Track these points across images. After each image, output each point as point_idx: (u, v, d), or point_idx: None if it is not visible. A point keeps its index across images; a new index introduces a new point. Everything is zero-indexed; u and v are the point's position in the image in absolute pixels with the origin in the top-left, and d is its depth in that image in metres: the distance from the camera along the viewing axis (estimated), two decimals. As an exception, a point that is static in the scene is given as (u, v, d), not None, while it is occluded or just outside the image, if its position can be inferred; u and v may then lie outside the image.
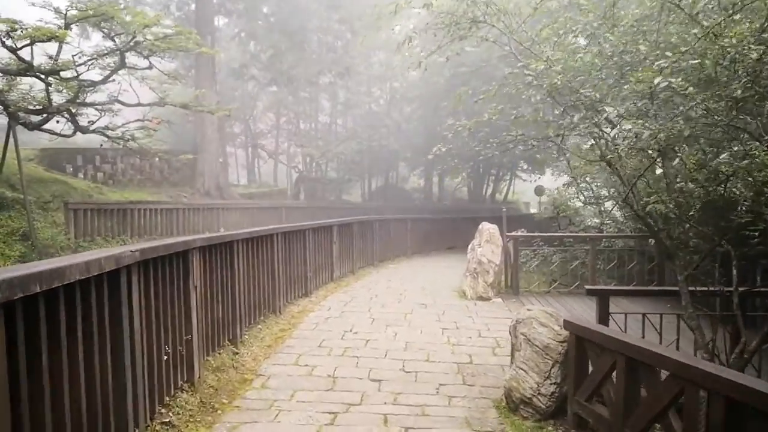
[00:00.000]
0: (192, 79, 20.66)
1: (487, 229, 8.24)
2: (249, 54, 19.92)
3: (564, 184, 9.87)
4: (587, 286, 4.62)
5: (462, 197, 37.29)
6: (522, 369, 4.13)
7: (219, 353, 5.17)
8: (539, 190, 27.65)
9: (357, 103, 31.83)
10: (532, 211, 43.22)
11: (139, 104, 11.05)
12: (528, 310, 4.42)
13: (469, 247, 8.60)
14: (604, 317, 4.58)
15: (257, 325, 6.41)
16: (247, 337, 5.97)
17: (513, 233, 8.67)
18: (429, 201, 32.71)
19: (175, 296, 3.92)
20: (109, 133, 10.21)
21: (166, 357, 3.65)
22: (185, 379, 4.15)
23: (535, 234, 8.93)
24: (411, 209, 26.20)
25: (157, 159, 18.23)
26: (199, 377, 4.41)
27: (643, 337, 4.63)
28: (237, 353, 5.44)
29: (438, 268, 12.96)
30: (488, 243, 8.14)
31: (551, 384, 4.02)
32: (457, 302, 8.14)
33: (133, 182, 17.70)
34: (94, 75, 10.56)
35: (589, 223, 9.29)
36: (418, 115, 32.29)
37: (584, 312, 7.40)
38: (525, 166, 35.62)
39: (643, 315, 4.63)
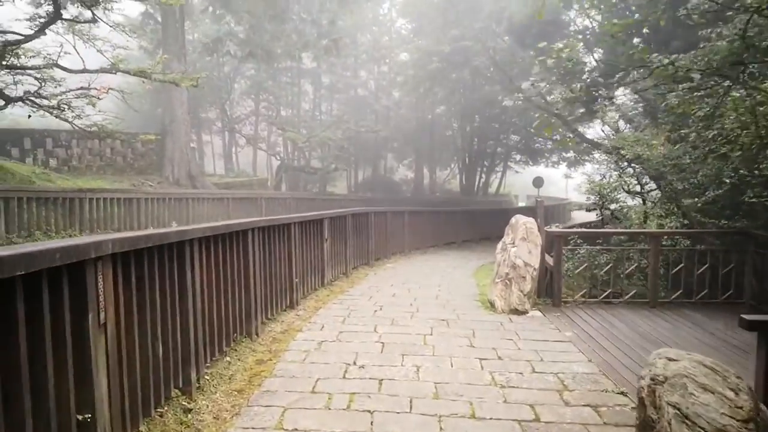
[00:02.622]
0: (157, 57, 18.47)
1: (523, 223, 6.50)
2: (226, 26, 17.77)
3: (605, 173, 8.23)
4: (744, 316, 2.86)
5: (452, 189, 35.66)
6: (677, 468, 2.38)
7: (159, 414, 3.33)
8: (538, 182, 26.15)
9: (343, 88, 29.82)
10: (521, 204, 41.98)
11: (84, 70, 9.00)
12: (671, 359, 2.67)
13: (499, 246, 6.86)
14: (774, 365, 2.84)
15: (224, 358, 4.57)
16: (208, 378, 4.13)
17: (554, 229, 6.97)
18: (420, 193, 31.03)
19: (48, 348, 2.06)
20: (41, 102, 8.14)
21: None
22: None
23: (587, 230, 7.27)
24: (401, 202, 24.49)
25: (119, 143, 16.14)
26: (113, 478, 2.56)
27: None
28: (190, 410, 3.60)
29: (444, 268, 11.23)
30: (524, 241, 6.41)
31: (734, 497, 2.27)
32: (485, 317, 6.39)
33: (92, 169, 15.56)
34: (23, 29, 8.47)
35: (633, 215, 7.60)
36: (408, 101, 30.43)
37: (655, 331, 5.74)
38: (518, 157, 34.24)
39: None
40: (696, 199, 6.84)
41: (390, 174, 35.60)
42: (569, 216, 31.11)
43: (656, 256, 6.69)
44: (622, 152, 7.56)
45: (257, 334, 5.29)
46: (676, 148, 7.92)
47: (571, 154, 30.84)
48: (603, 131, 11.58)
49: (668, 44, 10.64)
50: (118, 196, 11.20)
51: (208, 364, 4.30)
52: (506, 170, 35.73)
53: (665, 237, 6.88)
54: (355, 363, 4.68)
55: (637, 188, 8.10)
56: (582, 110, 19.33)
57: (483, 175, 33.09)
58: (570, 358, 4.96)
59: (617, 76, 11.57)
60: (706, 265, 6.56)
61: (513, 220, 6.78)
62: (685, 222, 6.99)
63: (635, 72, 10.04)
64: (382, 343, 5.28)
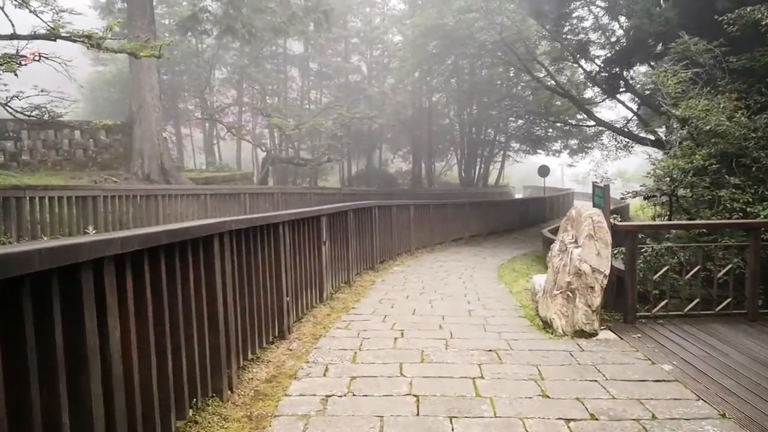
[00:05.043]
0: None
1: (588, 215, 4.86)
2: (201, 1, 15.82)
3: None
4: None
5: (449, 181, 34.04)
6: None
7: None
8: (544, 170, 24.63)
9: (333, 74, 27.90)
10: (518, 196, 40.47)
11: (14, 36, 7.18)
12: None
13: (555, 246, 5.22)
14: None
15: (175, 441, 2.87)
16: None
17: (623, 222, 5.36)
18: (418, 186, 29.29)
19: None
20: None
21: None
22: None
23: (675, 222, 5.69)
24: (399, 195, 22.81)
25: (78, 133, 14.26)
26: None
27: None
28: None
29: (461, 270, 9.59)
30: (592, 239, 4.78)
31: None
32: (546, 344, 4.74)
33: (46, 164, 13.64)
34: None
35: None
36: (403, 87, 28.66)
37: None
38: (517, 146, 32.78)
39: None
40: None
41: (385, 166, 33.88)
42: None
43: (757, 254, 5.11)
44: (699, 123, 5.95)
45: (231, 390, 3.59)
46: (757, 119, 6.35)
47: (574, 141, 29.37)
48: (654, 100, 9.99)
49: (707, 11, 9.08)
50: (68, 194, 9.33)
51: (145, 458, 2.60)
52: (505, 160, 34.24)
53: (763, 229, 5.31)
54: (381, 440, 3.02)
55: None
56: (600, 88, 17.76)
57: (482, 166, 31.57)
58: (693, 412, 3.34)
59: (659, 45, 9.99)
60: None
61: (573, 212, 5.13)
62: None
63: (685, 35, 8.46)
64: (416, 396, 3.60)
